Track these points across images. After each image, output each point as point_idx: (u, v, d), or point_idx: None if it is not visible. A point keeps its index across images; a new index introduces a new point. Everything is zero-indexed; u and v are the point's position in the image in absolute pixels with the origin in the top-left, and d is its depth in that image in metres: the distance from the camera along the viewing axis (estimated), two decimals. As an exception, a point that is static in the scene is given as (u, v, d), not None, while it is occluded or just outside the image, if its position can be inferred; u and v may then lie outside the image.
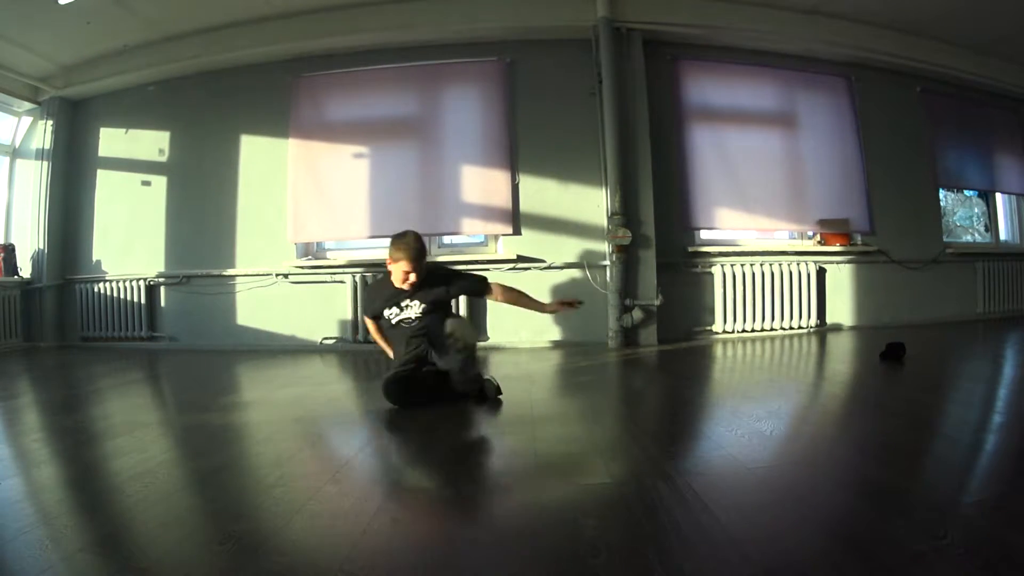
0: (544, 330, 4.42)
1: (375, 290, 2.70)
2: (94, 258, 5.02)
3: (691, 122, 4.70)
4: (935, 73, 5.07)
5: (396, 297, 2.43)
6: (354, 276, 4.47)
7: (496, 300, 2.55)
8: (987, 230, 5.78)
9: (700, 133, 4.70)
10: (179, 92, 4.90)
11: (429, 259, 2.52)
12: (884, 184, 4.97)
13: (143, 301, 4.84)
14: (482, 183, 4.49)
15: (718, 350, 3.90)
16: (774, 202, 4.79)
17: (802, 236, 4.95)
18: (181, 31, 4.58)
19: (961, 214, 5.88)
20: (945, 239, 5.25)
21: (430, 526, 1.18)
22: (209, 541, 1.12)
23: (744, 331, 4.59)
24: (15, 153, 5.24)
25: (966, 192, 5.82)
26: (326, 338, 4.56)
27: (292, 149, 4.66)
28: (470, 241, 4.67)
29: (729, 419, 1.98)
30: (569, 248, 4.43)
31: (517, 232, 4.46)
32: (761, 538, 1.05)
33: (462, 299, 4.38)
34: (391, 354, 2.52)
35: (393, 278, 2.39)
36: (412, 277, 2.33)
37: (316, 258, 4.70)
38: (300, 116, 4.69)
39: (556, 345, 4.35)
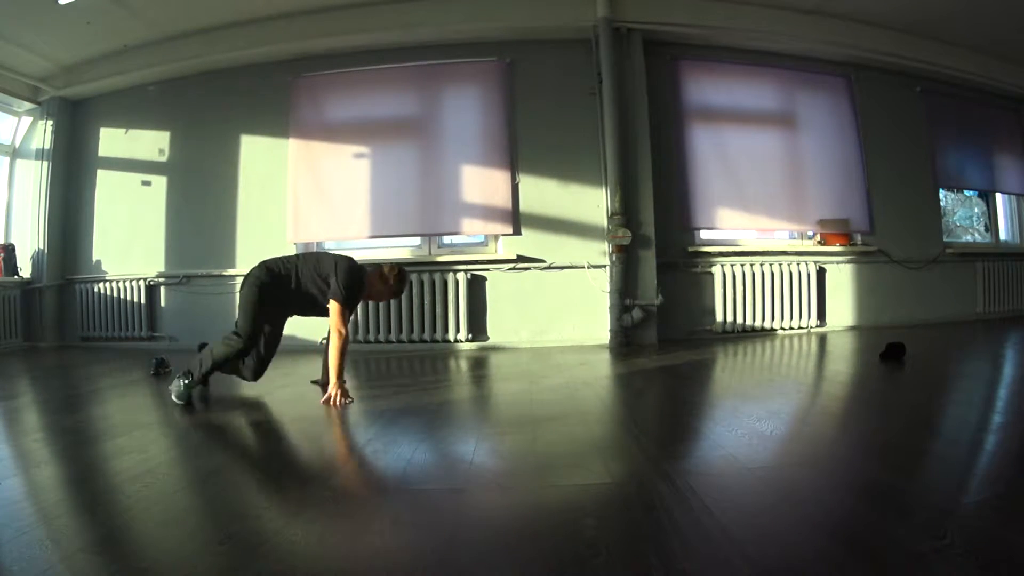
0: (544, 330, 4.42)
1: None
2: (94, 258, 5.03)
3: (691, 122, 4.70)
4: (935, 73, 5.07)
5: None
6: (354, 276, 4.46)
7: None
8: (987, 230, 5.78)
9: (700, 133, 4.71)
10: (179, 92, 4.90)
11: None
12: (884, 184, 4.97)
13: (143, 301, 4.84)
14: (482, 183, 4.49)
15: (718, 350, 3.90)
16: (774, 202, 4.79)
17: (802, 236, 4.96)
18: (181, 31, 4.58)
19: (961, 214, 5.88)
20: (945, 239, 5.26)
21: (430, 526, 1.18)
22: (209, 541, 1.12)
23: (744, 331, 4.59)
24: (15, 153, 5.24)
25: (966, 192, 5.82)
26: (325, 338, 4.54)
27: (292, 149, 4.67)
28: (470, 241, 4.67)
29: (729, 419, 1.98)
30: (569, 248, 4.43)
31: (517, 232, 4.46)
32: (761, 538, 1.05)
33: (463, 293, 4.39)
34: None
35: (375, 291, 2.64)
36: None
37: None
38: (300, 116, 4.69)
39: (556, 345, 4.35)
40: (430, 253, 4.64)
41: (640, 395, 2.65)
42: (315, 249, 4.75)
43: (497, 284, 4.47)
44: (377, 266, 2.69)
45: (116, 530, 1.18)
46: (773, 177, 4.82)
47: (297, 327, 4.50)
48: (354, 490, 1.40)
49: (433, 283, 4.40)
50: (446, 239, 4.70)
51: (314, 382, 2.85)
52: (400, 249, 4.70)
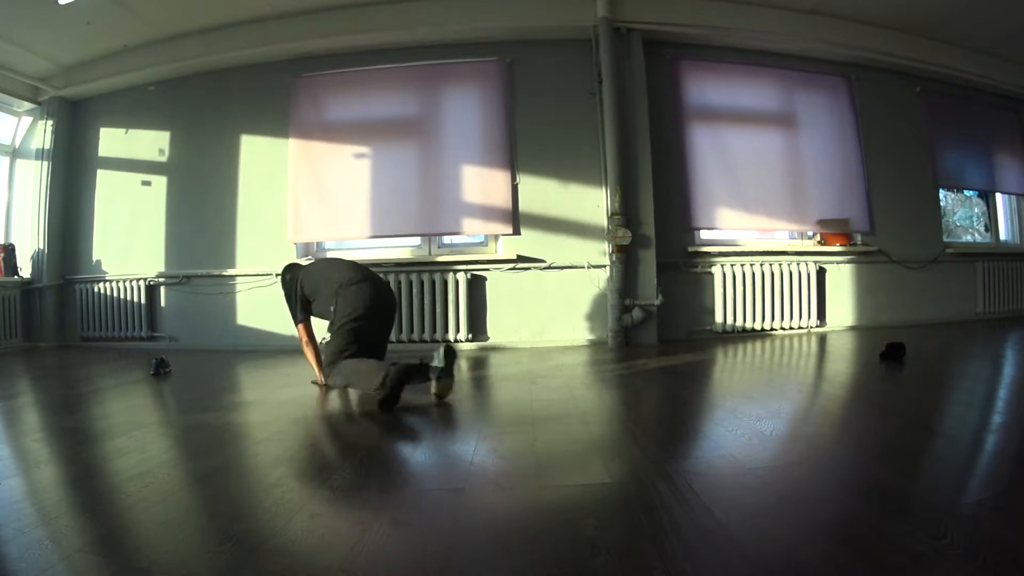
0: (544, 330, 4.43)
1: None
2: (94, 258, 5.03)
3: (691, 122, 4.70)
4: (935, 73, 5.07)
5: None
6: (354, 276, 4.46)
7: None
8: (987, 230, 5.79)
9: (700, 133, 4.71)
10: (179, 92, 4.91)
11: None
12: (884, 184, 4.97)
13: (143, 301, 4.84)
14: (482, 183, 4.49)
15: (718, 350, 3.90)
16: (774, 202, 4.79)
17: (802, 236, 4.96)
18: (181, 31, 4.59)
19: (961, 214, 5.89)
20: (945, 239, 5.26)
21: (430, 526, 1.18)
22: (209, 541, 1.12)
23: (744, 331, 4.59)
24: (15, 153, 5.24)
25: (966, 192, 5.82)
26: (325, 338, 4.55)
27: (292, 149, 4.67)
28: (470, 241, 4.67)
29: (729, 419, 1.98)
30: (569, 248, 4.43)
31: (517, 232, 4.46)
32: (761, 538, 1.05)
33: (463, 293, 4.39)
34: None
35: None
36: None
37: (316, 258, 4.69)
38: (300, 116, 4.69)
39: (556, 345, 4.35)
40: (430, 253, 4.64)
41: (640, 395, 2.65)
42: (315, 250, 4.76)
43: (497, 284, 4.47)
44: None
45: (116, 530, 1.18)
46: (773, 177, 4.81)
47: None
48: (354, 490, 1.40)
49: (433, 283, 4.40)
50: (446, 239, 4.70)
51: (313, 382, 2.87)
52: (400, 249, 4.70)
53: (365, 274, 2.77)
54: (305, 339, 2.84)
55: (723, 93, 4.81)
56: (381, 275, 2.91)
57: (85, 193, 5.08)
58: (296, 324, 2.87)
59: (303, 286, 2.81)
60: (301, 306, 2.81)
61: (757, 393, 2.52)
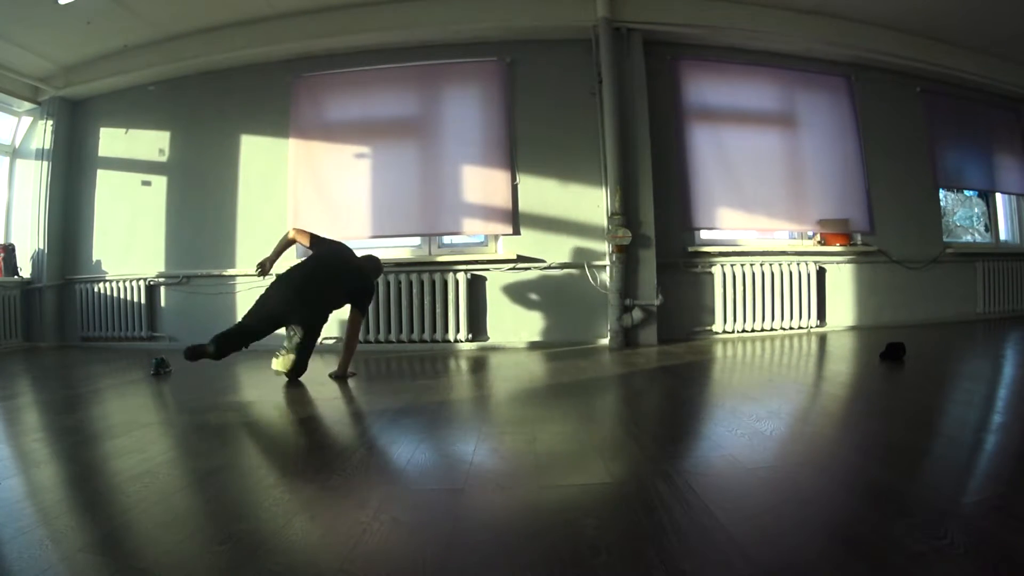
0: (544, 330, 4.42)
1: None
2: (94, 258, 5.03)
3: (691, 122, 4.70)
4: (935, 73, 5.07)
5: None
6: (354, 276, 4.46)
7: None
8: (987, 230, 5.79)
9: (700, 133, 4.71)
10: (179, 92, 4.91)
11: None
12: (884, 184, 4.97)
13: (143, 301, 4.84)
14: (482, 183, 4.49)
15: (718, 350, 3.90)
16: (774, 202, 4.79)
17: (802, 236, 4.96)
18: (181, 31, 4.59)
19: (961, 214, 5.88)
20: (945, 239, 5.26)
21: (430, 526, 1.18)
22: (209, 541, 1.12)
23: (744, 331, 4.59)
24: (15, 153, 5.24)
25: (966, 192, 5.82)
26: (326, 338, 4.55)
27: (292, 149, 4.67)
28: (470, 241, 4.67)
29: (729, 419, 1.98)
30: (569, 248, 4.43)
31: (517, 232, 4.46)
32: (762, 539, 1.05)
33: (463, 293, 4.39)
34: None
35: None
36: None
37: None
38: (300, 116, 4.69)
39: (556, 345, 4.35)
40: (430, 253, 4.64)
41: (640, 395, 2.65)
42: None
43: (497, 284, 4.47)
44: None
45: (116, 530, 1.18)
46: (773, 177, 4.82)
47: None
48: (354, 490, 1.40)
49: (433, 283, 4.40)
50: (446, 239, 4.70)
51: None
52: (400, 249, 4.70)
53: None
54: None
55: (723, 93, 4.81)
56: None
57: (85, 193, 5.08)
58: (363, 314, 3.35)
59: None
60: None
61: (757, 393, 2.52)
